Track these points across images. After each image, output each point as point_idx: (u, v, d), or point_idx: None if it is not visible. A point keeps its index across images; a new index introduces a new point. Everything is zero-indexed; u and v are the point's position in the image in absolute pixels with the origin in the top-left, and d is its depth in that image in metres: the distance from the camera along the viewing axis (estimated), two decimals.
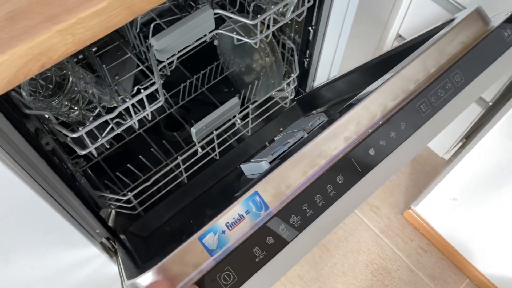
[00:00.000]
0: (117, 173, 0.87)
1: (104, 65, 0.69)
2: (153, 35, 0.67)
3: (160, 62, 0.72)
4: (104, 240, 0.80)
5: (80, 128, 0.59)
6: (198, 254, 0.41)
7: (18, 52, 0.37)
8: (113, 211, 0.93)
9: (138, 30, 0.74)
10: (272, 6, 0.73)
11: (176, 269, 0.41)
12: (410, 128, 0.49)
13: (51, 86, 0.63)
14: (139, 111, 0.69)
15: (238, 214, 0.43)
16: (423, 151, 1.59)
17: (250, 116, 0.95)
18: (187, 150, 0.88)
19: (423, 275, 1.40)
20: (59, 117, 0.65)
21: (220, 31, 0.74)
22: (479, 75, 0.52)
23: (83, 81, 0.62)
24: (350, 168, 0.46)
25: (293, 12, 0.77)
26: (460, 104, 0.51)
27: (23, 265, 0.66)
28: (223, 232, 0.42)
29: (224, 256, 0.42)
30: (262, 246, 0.43)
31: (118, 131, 0.65)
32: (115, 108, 0.64)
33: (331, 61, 0.97)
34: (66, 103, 0.61)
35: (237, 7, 0.82)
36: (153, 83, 0.66)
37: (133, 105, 0.67)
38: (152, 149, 0.93)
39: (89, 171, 0.96)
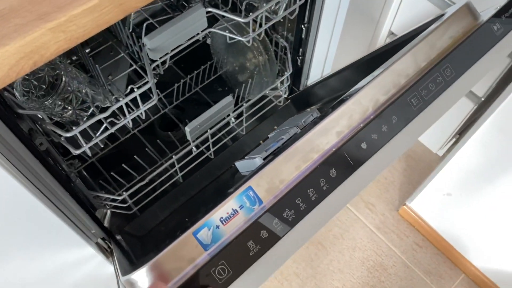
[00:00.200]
0: (112, 173, 0.87)
1: (97, 65, 0.69)
2: (145, 34, 0.67)
3: (153, 61, 0.72)
4: (99, 241, 0.80)
5: (73, 128, 0.59)
6: (192, 249, 0.42)
7: (10, 50, 0.37)
8: (108, 212, 0.93)
9: (131, 30, 0.75)
10: (264, 4, 0.74)
11: (170, 264, 0.41)
12: (402, 122, 0.49)
13: (44, 87, 0.63)
14: (133, 110, 0.69)
15: (232, 209, 0.43)
16: (417, 148, 1.60)
17: (244, 115, 0.95)
18: (181, 149, 0.89)
19: (418, 270, 1.41)
20: (52, 117, 0.65)
21: (212, 30, 0.74)
22: (469, 68, 0.52)
23: (76, 80, 0.62)
24: (343, 162, 0.47)
25: (285, 10, 0.77)
26: (451, 98, 0.52)
27: (18, 266, 0.65)
28: (217, 227, 0.42)
29: (219, 250, 0.42)
30: (256, 240, 0.43)
31: (112, 130, 0.65)
32: (109, 107, 0.64)
33: (324, 59, 0.98)
34: (60, 102, 0.61)
35: (229, 5, 0.83)
36: (147, 83, 0.67)
37: (127, 104, 0.67)
38: (146, 149, 0.93)
39: (84, 172, 0.96)
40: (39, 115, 0.60)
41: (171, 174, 0.90)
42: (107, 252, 0.82)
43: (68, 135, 0.59)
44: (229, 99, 0.81)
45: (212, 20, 0.79)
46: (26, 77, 0.61)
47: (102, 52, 0.80)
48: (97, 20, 0.40)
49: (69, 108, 0.63)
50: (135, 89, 0.63)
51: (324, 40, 0.91)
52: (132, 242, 0.85)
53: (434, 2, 1.09)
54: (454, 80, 0.52)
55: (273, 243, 0.43)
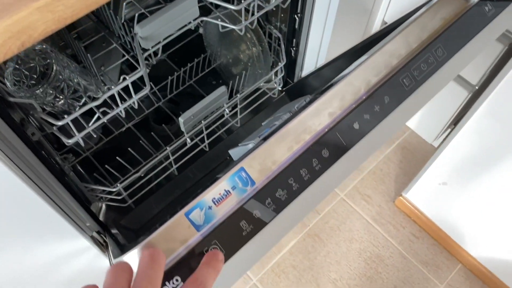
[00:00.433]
0: (106, 166, 0.87)
1: (89, 55, 0.69)
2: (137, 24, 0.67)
3: (145, 50, 0.72)
4: (95, 234, 0.79)
5: (65, 116, 0.58)
6: (185, 230, 0.41)
7: None
8: (104, 206, 0.92)
9: (123, 21, 0.74)
10: None
11: (162, 245, 0.41)
12: (394, 102, 0.49)
13: (35, 76, 0.63)
14: (126, 101, 0.68)
15: (225, 189, 0.43)
16: (412, 139, 1.60)
17: (239, 107, 0.95)
18: (176, 141, 0.88)
19: (416, 261, 1.41)
20: (44, 107, 0.65)
21: (204, 19, 0.74)
22: (461, 49, 0.52)
23: (68, 69, 0.62)
24: (335, 142, 0.46)
25: None
26: (443, 78, 0.52)
27: (11, 257, 0.65)
28: (210, 207, 0.42)
29: (211, 230, 0.42)
30: (249, 220, 0.43)
31: (104, 119, 0.64)
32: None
33: (318, 50, 0.98)
34: (51, 91, 0.60)
35: None
36: (139, 72, 0.66)
37: (119, 94, 0.67)
38: (141, 141, 0.93)
39: (78, 167, 0.95)
40: (31, 105, 0.60)
41: (166, 167, 0.89)
42: (102, 246, 0.82)
43: (60, 123, 0.58)
44: (222, 89, 0.81)
45: (206, 12, 0.79)
46: (17, 66, 0.61)
47: (94, 43, 0.80)
48: (85, 1, 0.40)
49: (61, 97, 0.62)
50: (127, 78, 0.63)
51: (318, 30, 0.91)
52: (127, 235, 0.85)
53: None
54: (446, 60, 0.51)
55: (266, 223, 0.43)
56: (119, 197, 0.85)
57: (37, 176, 0.59)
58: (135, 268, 0.38)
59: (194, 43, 1.08)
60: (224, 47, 1.02)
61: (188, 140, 0.90)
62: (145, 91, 0.68)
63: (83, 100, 0.67)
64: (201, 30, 0.93)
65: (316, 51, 0.97)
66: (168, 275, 0.40)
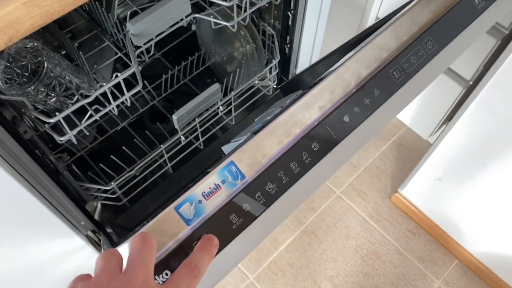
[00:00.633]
0: (100, 164, 0.87)
1: (81, 52, 0.69)
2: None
3: (138, 48, 0.72)
4: (90, 233, 0.79)
5: (57, 114, 0.58)
6: (175, 224, 0.41)
7: None
8: (99, 205, 0.92)
9: (115, 19, 0.74)
10: None
11: None
12: (384, 95, 0.49)
13: (27, 74, 0.63)
14: (119, 98, 0.68)
15: (214, 183, 0.43)
16: (408, 136, 1.60)
17: (233, 104, 0.95)
18: (170, 140, 0.88)
19: (412, 257, 1.41)
20: (36, 105, 0.64)
21: (196, 15, 0.74)
22: (451, 41, 0.52)
23: (59, 67, 0.62)
24: (325, 135, 0.46)
25: None
26: (433, 71, 0.52)
27: (5, 255, 0.65)
28: (200, 201, 0.42)
29: (201, 224, 0.42)
30: (239, 213, 0.43)
31: (97, 116, 0.64)
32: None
33: (312, 46, 0.98)
34: (42, 89, 0.60)
35: None
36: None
37: (112, 92, 0.67)
38: (135, 140, 0.93)
39: (73, 166, 0.95)
40: (23, 103, 0.60)
41: (161, 165, 0.89)
42: (97, 245, 0.82)
43: (51, 120, 0.58)
44: (216, 86, 0.81)
45: (199, 10, 0.79)
46: (8, 64, 0.61)
47: (87, 41, 0.79)
48: None
49: (53, 94, 0.62)
50: (119, 75, 0.62)
51: (311, 27, 0.91)
52: (122, 234, 0.85)
53: None
54: (436, 53, 0.52)
55: (255, 216, 0.43)
56: (114, 196, 0.85)
57: (29, 175, 0.59)
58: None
59: (188, 41, 1.08)
60: (218, 45, 1.02)
61: (183, 138, 0.90)
62: (138, 88, 0.68)
63: (75, 98, 0.66)
64: (193, 28, 0.94)
65: (310, 48, 0.97)
66: (158, 269, 0.40)
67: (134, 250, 0.38)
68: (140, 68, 0.77)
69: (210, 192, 0.42)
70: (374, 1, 1.17)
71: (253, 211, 0.43)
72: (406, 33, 0.52)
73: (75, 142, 0.69)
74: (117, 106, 0.69)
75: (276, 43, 0.95)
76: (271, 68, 0.98)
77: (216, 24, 0.78)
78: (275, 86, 1.04)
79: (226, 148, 0.64)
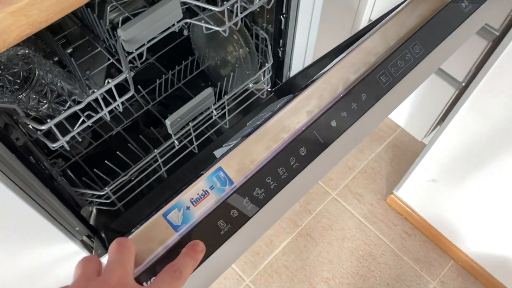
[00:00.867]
0: (95, 169, 0.87)
1: (72, 58, 0.69)
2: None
3: (130, 53, 0.72)
4: (85, 238, 0.79)
5: (48, 120, 0.59)
6: (163, 230, 0.42)
7: None
8: (94, 210, 0.92)
9: (107, 25, 0.74)
10: None
11: (142, 246, 0.41)
12: (371, 99, 0.50)
13: (18, 81, 0.63)
14: (111, 104, 0.69)
15: (203, 190, 0.43)
16: (403, 137, 1.61)
17: (227, 107, 0.95)
18: (164, 144, 0.89)
19: (408, 259, 1.41)
20: (28, 111, 0.65)
21: (188, 20, 0.74)
22: (438, 45, 0.53)
23: (51, 74, 0.62)
24: (313, 140, 0.47)
25: None
26: (421, 74, 0.52)
27: None
28: (188, 208, 0.42)
29: (189, 231, 0.42)
30: (227, 219, 0.43)
31: (89, 122, 0.65)
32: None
33: (305, 49, 0.98)
34: (34, 96, 0.61)
35: None
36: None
37: (104, 98, 0.67)
38: (129, 145, 0.93)
39: (68, 171, 0.95)
40: (14, 110, 0.60)
41: (156, 170, 0.90)
42: (93, 250, 0.82)
43: (43, 127, 0.58)
44: (208, 91, 0.82)
45: (193, 15, 0.79)
46: (0, 71, 0.61)
47: (80, 47, 0.80)
48: (60, 4, 0.40)
49: (45, 101, 0.62)
50: (110, 81, 0.63)
51: (303, 30, 0.92)
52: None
53: None
54: (423, 57, 0.52)
55: (243, 222, 0.44)
56: (108, 201, 0.85)
57: (22, 181, 0.59)
58: None
59: (182, 46, 1.08)
60: (212, 49, 1.02)
61: (176, 142, 0.90)
62: (129, 94, 0.69)
63: (68, 105, 0.67)
64: (185, 33, 0.94)
65: (303, 51, 0.98)
66: (146, 276, 0.40)
67: (111, 255, 0.39)
68: (133, 73, 0.77)
69: (198, 198, 0.43)
70: (366, 3, 1.17)
71: (241, 217, 0.43)
72: (394, 37, 0.52)
73: (68, 149, 0.69)
74: (111, 111, 0.69)
75: (269, 46, 0.95)
76: (264, 71, 0.98)
77: (207, 29, 0.78)
78: (269, 89, 1.05)
79: (217, 153, 0.64)
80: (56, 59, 0.81)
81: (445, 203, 1.28)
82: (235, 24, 0.80)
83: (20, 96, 0.59)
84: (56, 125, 0.61)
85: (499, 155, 1.00)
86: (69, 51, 0.80)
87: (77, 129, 0.66)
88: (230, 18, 0.77)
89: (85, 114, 0.66)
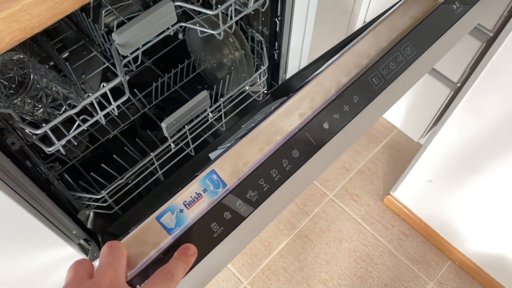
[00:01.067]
0: (91, 173, 0.87)
1: (67, 63, 0.69)
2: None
3: (125, 57, 0.72)
4: (82, 242, 0.80)
5: (43, 125, 0.59)
6: (156, 233, 0.42)
7: None
8: (91, 214, 0.93)
9: (103, 28, 0.75)
10: None
11: (135, 249, 0.41)
12: (363, 101, 0.50)
13: (13, 86, 0.63)
14: (107, 107, 0.69)
15: (196, 192, 0.44)
16: (400, 138, 1.61)
17: (223, 110, 0.96)
18: (160, 147, 0.89)
19: (405, 259, 1.42)
20: (24, 116, 0.65)
21: (182, 24, 0.74)
22: (429, 47, 0.53)
23: (46, 78, 0.63)
24: (305, 142, 0.47)
25: (255, 1, 0.78)
26: (413, 76, 0.52)
27: None
28: (181, 210, 0.43)
29: (182, 233, 0.42)
30: (220, 221, 0.43)
31: (84, 126, 0.65)
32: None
33: (300, 51, 0.98)
34: (29, 100, 0.61)
35: (200, 1, 0.83)
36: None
37: (100, 102, 0.67)
38: (125, 148, 0.94)
39: (66, 175, 0.96)
40: (9, 114, 0.60)
41: (152, 173, 0.90)
42: (89, 253, 0.82)
43: (38, 132, 0.59)
44: (204, 94, 0.82)
45: (187, 17, 0.80)
46: None
47: (75, 51, 0.80)
48: (52, 10, 0.41)
49: (40, 106, 0.63)
50: (105, 84, 0.63)
51: (299, 32, 0.92)
52: None
53: None
54: (415, 58, 0.52)
55: (236, 224, 0.44)
56: (105, 204, 0.85)
57: (19, 186, 0.59)
58: None
59: (178, 49, 1.08)
60: (207, 52, 1.03)
61: (173, 145, 0.90)
62: (124, 97, 0.69)
63: (63, 109, 0.67)
64: (180, 36, 0.94)
65: (298, 53, 0.98)
66: (139, 279, 0.40)
67: (102, 258, 0.39)
68: (129, 77, 0.77)
69: (191, 201, 0.43)
70: (361, 5, 1.18)
71: (234, 219, 0.43)
72: (385, 40, 0.52)
73: (64, 153, 0.70)
74: (107, 115, 0.70)
75: (265, 49, 0.95)
76: (260, 73, 0.99)
77: (202, 32, 0.79)
78: (265, 92, 1.05)
79: (213, 155, 0.64)
80: (51, 63, 0.82)
81: (441, 203, 1.28)
82: (230, 27, 0.80)
83: (15, 101, 0.60)
84: (52, 129, 0.61)
85: (495, 155, 1.01)
86: (64, 55, 0.80)
87: (73, 133, 0.66)
88: (224, 21, 0.77)
89: (81, 118, 0.66)
